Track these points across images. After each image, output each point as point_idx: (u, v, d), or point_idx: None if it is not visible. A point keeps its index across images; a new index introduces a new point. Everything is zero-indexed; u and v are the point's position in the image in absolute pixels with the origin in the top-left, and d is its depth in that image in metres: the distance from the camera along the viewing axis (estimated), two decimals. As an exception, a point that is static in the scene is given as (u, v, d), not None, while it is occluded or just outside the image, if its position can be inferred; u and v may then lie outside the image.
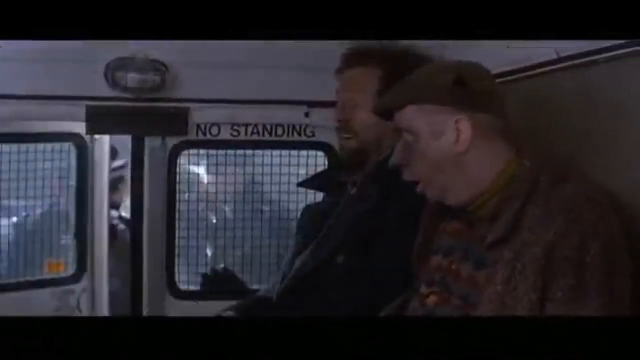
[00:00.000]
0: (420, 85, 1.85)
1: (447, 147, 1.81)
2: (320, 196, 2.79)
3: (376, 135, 2.41)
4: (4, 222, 3.25)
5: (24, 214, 3.28)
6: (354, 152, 2.45)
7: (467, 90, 1.83)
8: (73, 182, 3.28)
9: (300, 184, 2.89)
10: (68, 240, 3.33)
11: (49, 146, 3.23)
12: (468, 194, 1.82)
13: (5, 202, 3.22)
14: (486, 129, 1.81)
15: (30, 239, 3.27)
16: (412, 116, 1.84)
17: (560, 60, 2.01)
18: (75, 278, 3.31)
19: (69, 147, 3.27)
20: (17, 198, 3.25)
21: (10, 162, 3.19)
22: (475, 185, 1.81)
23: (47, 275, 3.28)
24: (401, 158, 1.91)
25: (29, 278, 3.24)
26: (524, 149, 1.83)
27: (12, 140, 3.16)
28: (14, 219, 3.27)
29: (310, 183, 2.79)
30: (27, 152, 3.20)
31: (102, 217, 3.35)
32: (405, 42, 2.41)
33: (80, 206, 3.29)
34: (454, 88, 1.81)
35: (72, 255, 3.33)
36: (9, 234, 3.27)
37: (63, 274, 3.31)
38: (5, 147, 3.20)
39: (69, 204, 3.31)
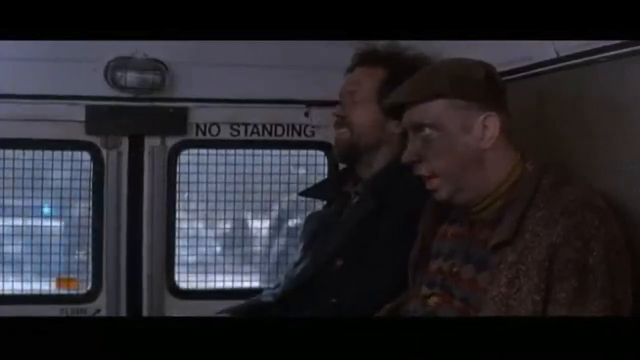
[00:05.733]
0: (452, 80, 1.82)
1: (473, 143, 1.80)
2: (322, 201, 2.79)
3: (370, 133, 2.43)
4: (16, 231, 3.12)
5: (34, 224, 3.17)
6: (346, 145, 2.46)
7: (496, 87, 1.84)
8: (87, 193, 3.14)
9: (301, 193, 2.90)
10: (81, 255, 3.19)
11: (62, 154, 3.09)
12: (477, 193, 1.82)
13: (17, 211, 3.12)
14: (506, 128, 1.82)
15: (38, 251, 3.13)
16: (441, 110, 1.81)
17: (560, 60, 2.01)
18: (89, 296, 3.13)
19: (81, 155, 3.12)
20: (30, 207, 3.16)
21: (23, 169, 3.08)
22: (486, 184, 1.81)
23: (56, 291, 3.15)
24: (414, 154, 1.86)
25: (36, 292, 3.12)
26: (527, 152, 1.84)
27: (24, 146, 3.06)
28: (25, 229, 3.14)
29: (312, 192, 2.80)
30: (42, 159, 3.08)
31: (118, 232, 3.13)
32: (416, 49, 2.41)
33: (96, 219, 3.12)
34: (485, 84, 1.81)
35: (85, 272, 3.16)
36: (21, 243, 3.12)
37: (74, 291, 3.17)
38: (18, 153, 3.07)
39: (81, 216, 3.16)
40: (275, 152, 3.27)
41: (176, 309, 3.16)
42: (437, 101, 1.82)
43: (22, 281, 3.12)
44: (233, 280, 3.31)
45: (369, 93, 2.43)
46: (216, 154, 3.23)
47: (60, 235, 3.18)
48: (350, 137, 2.45)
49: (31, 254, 3.13)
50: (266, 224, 3.36)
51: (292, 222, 3.31)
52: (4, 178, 3.07)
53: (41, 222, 3.20)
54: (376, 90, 2.42)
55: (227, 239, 3.31)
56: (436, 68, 1.91)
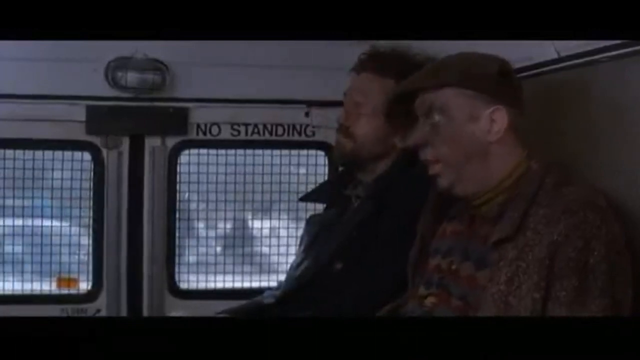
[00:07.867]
0: (463, 70, 1.84)
1: (480, 134, 1.82)
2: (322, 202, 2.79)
3: (374, 145, 2.42)
4: (16, 231, 3.12)
5: (34, 224, 3.16)
6: (349, 154, 2.45)
7: (508, 82, 1.85)
8: (87, 193, 3.13)
9: (302, 199, 2.90)
10: (81, 255, 3.19)
11: (62, 154, 3.09)
12: (478, 186, 1.83)
13: (17, 211, 3.12)
14: (515, 124, 1.83)
15: (38, 251, 3.13)
16: (451, 98, 1.83)
17: (560, 59, 2.01)
18: (89, 296, 3.13)
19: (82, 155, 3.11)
20: (31, 207, 3.16)
21: (23, 169, 3.08)
22: (488, 178, 1.82)
23: (57, 291, 3.14)
24: (421, 137, 1.88)
25: (37, 292, 3.12)
26: (533, 150, 1.85)
27: (24, 146, 3.06)
28: (25, 229, 3.14)
29: (312, 197, 2.79)
30: (43, 159, 3.07)
31: (118, 232, 3.13)
32: (424, 57, 2.39)
33: (96, 219, 3.13)
34: (498, 78, 1.83)
35: (85, 272, 3.15)
36: (22, 243, 3.13)
37: (74, 291, 3.16)
38: (18, 153, 3.07)
39: (82, 216, 3.16)
40: (276, 152, 3.27)
41: (176, 309, 3.16)
42: (447, 89, 1.84)
43: (22, 281, 3.11)
44: (233, 281, 3.31)
45: (377, 106, 2.34)
46: (216, 154, 3.23)
47: (60, 235, 3.18)
48: (353, 148, 2.43)
49: (31, 254, 3.13)
50: (266, 224, 3.36)
51: (292, 223, 3.31)
52: (4, 178, 3.07)
53: (41, 222, 3.19)
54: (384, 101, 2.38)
55: (227, 239, 3.31)
56: (450, 58, 1.93)
